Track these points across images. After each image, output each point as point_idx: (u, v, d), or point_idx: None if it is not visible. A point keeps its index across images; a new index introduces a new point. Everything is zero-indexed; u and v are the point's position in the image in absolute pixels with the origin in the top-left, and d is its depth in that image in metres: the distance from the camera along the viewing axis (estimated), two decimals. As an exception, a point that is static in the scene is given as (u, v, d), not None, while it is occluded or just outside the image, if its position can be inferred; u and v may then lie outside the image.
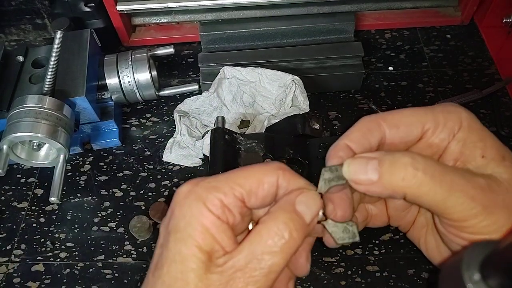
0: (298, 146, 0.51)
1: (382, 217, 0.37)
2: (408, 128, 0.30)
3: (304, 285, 0.51)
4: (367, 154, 0.30)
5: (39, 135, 0.52)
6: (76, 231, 0.57)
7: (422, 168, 0.28)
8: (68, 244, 0.57)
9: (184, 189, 0.29)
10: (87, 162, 0.63)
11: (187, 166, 0.62)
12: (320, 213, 0.30)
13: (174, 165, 0.62)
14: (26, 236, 0.57)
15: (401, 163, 0.28)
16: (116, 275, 0.54)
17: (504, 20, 0.69)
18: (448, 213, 0.29)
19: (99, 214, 0.59)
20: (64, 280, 0.54)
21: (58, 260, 0.55)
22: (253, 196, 0.29)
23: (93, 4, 0.70)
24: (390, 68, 0.72)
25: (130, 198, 0.60)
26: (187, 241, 0.27)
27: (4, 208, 0.60)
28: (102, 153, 0.64)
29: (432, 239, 0.34)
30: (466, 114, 0.31)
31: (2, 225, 0.58)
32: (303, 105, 0.60)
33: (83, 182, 0.62)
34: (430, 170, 0.28)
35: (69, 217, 0.59)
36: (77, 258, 0.55)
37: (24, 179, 0.62)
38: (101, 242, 0.56)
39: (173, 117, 0.64)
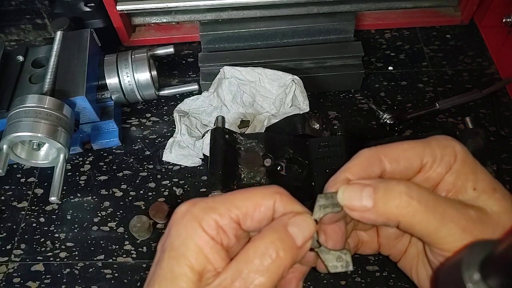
0: (298, 146, 0.51)
1: (372, 245, 0.37)
2: (408, 162, 0.31)
3: (304, 285, 0.51)
4: (362, 181, 0.30)
5: (39, 134, 0.52)
6: (76, 231, 0.58)
7: (416, 197, 0.28)
8: (68, 244, 0.57)
9: (182, 209, 0.30)
10: (87, 162, 0.63)
11: (187, 166, 0.62)
12: (315, 240, 0.31)
13: (174, 165, 0.62)
14: (26, 236, 0.57)
15: (395, 191, 0.29)
16: (116, 275, 0.54)
17: (503, 20, 0.69)
18: (439, 243, 0.29)
19: (99, 214, 0.59)
20: (64, 280, 0.54)
21: (58, 260, 0.55)
22: (249, 218, 0.29)
23: (93, 4, 0.70)
24: (390, 68, 0.72)
25: (130, 198, 0.60)
26: (179, 260, 0.28)
27: (4, 208, 0.60)
28: (102, 153, 0.64)
29: (424, 270, 0.34)
30: (459, 147, 0.31)
31: (2, 225, 0.58)
32: (303, 105, 0.60)
33: (83, 182, 0.62)
34: (424, 200, 0.28)
35: (69, 217, 0.59)
36: (77, 258, 0.55)
37: (24, 179, 0.62)
38: (101, 242, 0.56)
39: (173, 117, 0.64)
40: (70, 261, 0.55)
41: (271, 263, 0.27)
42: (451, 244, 0.29)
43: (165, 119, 0.67)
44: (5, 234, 0.58)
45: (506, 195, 0.31)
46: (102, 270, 0.54)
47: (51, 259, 0.55)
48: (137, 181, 0.61)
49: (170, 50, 0.68)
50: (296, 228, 0.29)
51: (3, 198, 0.61)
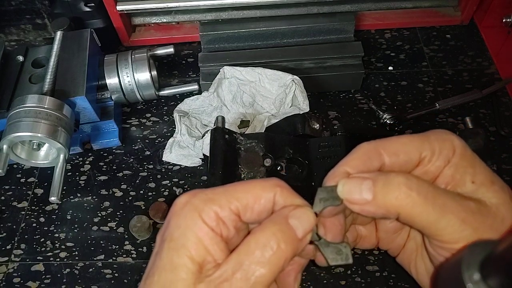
0: (298, 146, 0.51)
1: (371, 239, 0.37)
2: (407, 156, 0.31)
3: (304, 285, 0.51)
4: (361, 174, 0.30)
5: (39, 134, 0.52)
6: (76, 231, 0.58)
7: (415, 189, 0.29)
8: (68, 244, 0.57)
9: (182, 200, 0.30)
10: (87, 162, 0.63)
11: (187, 166, 0.62)
12: (314, 233, 0.31)
13: (174, 165, 0.62)
14: (26, 236, 0.57)
15: (395, 183, 0.29)
16: (116, 275, 0.54)
17: (503, 20, 0.69)
18: (439, 234, 0.29)
19: (99, 214, 0.59)
20: (64, 280, 0.54)
21: (58, 260, 0.55)
22: (249, 210, 0.29)
23: (93, 4, 0.70)
24: (390, 68, 0.72)
25: (130, 198, 0.60)
26: (179, 251, 0.28)
27: (4, 208, 0.60)
28: (102, 153, 0.64)
29: (422, 265, 0.34)
30: (458, 141, 0.31)
31: (2, 225, 0.58)
32: (303, 105, 0.60)
33: (83, 182, 0.62)
34: (423, 191, 0.29)
35: (69, 217, 0.59)
36: (77, 258, 0.55)
37: (24, 179, 0.62)
38: (101, 242, 0.56)
39: (173, 117, 0.64)
40: (70, 261, 0.55)
41: (272, 255, 0.27)
42: (451, 235, 0.29)
43: (165, 119, 0.67)
44: (5, 234, 0.58)
45: (504, 188, 0.31)
46: (102, 270, 0.54)
47: (51, 259, 0.55)
48: (137, 181, 0.61)
49: (170, 50, 0.68)
50: (297, 221, 0.29)
51: (3, 198, 0.61)
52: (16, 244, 0.57)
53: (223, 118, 0.51)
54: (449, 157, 0.31)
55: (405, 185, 0.28)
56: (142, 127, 0.67)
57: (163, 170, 0.62)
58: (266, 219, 0.30)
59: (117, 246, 0.56)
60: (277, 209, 0.30)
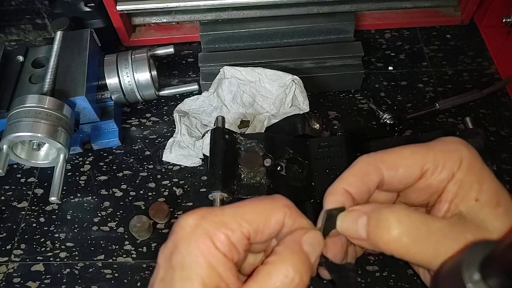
0: (298, 146, 0.51)
1: None
2: (407, 170, 0.30)
3: (304, 285, 0.51)
4: (359, 207, 0.30)
5: (39, 135, 0.52)
6: (76, 231, 0.58)
7: (406, 232, 0.27)
8: (68, 244, 0.57)
9: (191, 222, 0.28)
10: (87, 162, 0.63)
11: (187, 166, 0.62)
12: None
13: (174, 165, 0.62)
14: (26, 236, 0.57)
15: (385, 226, 0.28)
16: (116, 275, 0.54)
17: (503, 20, 0.69)
18: (434, 270, 0.28)
19: (99, 214, 0.59)
20: (64, 280, 0.54)
21: (58, 260, 0.55)
22: (260, 233, 0.29)
23: (93, 4, 0.70)
24: (390, 68, 0.72)
25: (130, 198, 0.60)
26: (193, 280, 0.27)
27: (4, 208, 0.60)
28: (102, 153, 0.64)
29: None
30: (467, 152, 0.30)
31: (2, 225, 0.58)
32: (303, 105, 0.60)
33: (83, 182, 0.62)
34: (414, 233, 0.27)
35: (69, 217, 0.59)
36: (77, 258, 0.55)
37: (24, 179, 0.62)
38: (101, 242, 0.56)
39: (173, 117, 0.64)
40: (70, 261, 0.55)
41: (295, 286, 0.27)
42: None
43: (165, 119, 0.67)
44: (5, 234, 0.58)
45: (509, 211, 0.29)
46: (102, 270, 0.54)
47: (51, 259, 0.55)
48: (137, 181, 0.61)
49: (170, 50, 0.68)
50: (310, 247, 0.29)
51: (3, 198, 0.61)
52: (16, 244, 0.57)
53: (223, 118, 0.51)
54: (453, 170, 0.29)
55: (396, 229, 0.27)
56: (142, 127, 0.67)
57: (163, 170, 0.62)
58: (281, 246, 0.29)
59: (117, 246, 0.56)
60: (284, 231, 0.30)
